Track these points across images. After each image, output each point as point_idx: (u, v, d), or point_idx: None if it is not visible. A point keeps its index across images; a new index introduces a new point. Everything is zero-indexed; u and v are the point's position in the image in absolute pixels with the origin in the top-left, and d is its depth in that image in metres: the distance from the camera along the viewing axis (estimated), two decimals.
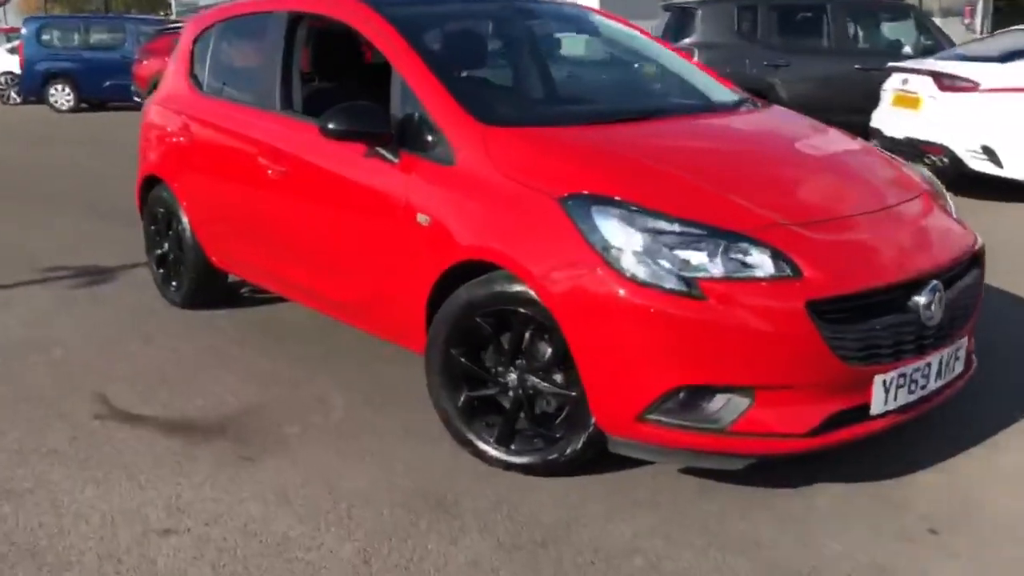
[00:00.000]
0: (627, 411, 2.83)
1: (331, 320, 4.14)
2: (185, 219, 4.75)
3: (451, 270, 3.19)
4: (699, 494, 3.02)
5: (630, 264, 2.75)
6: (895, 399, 2.90)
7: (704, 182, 3.02)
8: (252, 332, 4.61)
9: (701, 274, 2.72)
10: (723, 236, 2.77)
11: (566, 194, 2.92)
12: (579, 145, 3.24)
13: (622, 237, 2.79)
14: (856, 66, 10.06)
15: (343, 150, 3.59)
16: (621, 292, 2.75)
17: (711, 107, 3.97)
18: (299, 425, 3.56)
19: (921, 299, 2.88)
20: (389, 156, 3.43)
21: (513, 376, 3.12)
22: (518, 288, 3.00)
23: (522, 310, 3.02)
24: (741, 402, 2.75)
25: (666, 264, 2.74)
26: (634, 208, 2.83)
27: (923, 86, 8.02)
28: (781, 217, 2.90)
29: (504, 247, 3.00)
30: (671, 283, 2.71)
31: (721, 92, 4.13)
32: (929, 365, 2.97)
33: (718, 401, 2.76)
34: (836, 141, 3.76)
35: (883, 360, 2.82)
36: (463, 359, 3.21)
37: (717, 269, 2.72)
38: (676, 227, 2.79)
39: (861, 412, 2.86)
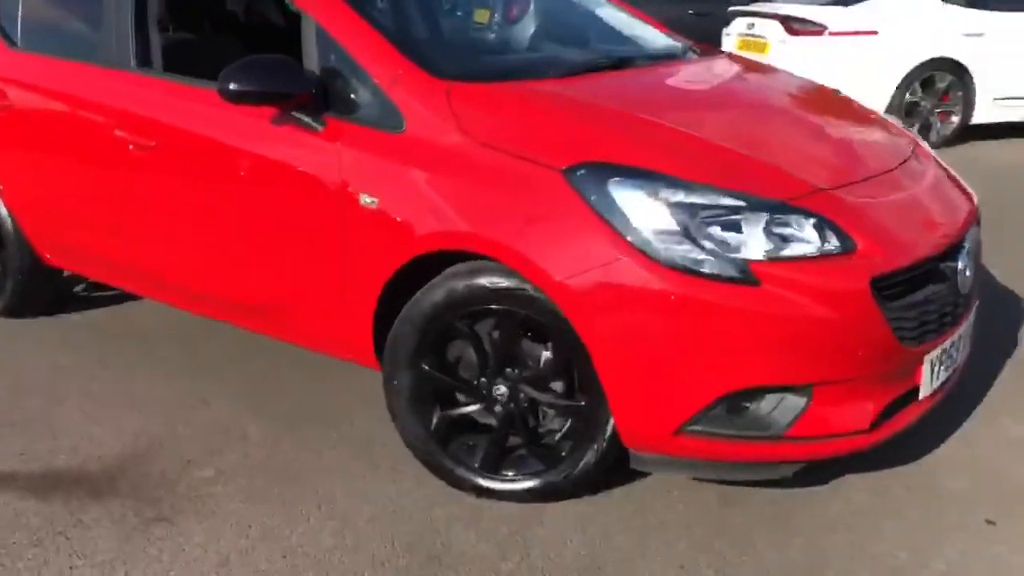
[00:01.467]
0: (664, 424, 2.34)
1: (209, 321, 3.38)
2: (3, 208, 3.78)
3: (411, 263, 2.56)
4: (724, 505, 2.60)
5: (664, 247, 2.25)
6: (938, 378, 2.58)
7: (723, 142, 2.54)
8: (112, 344, 3.74)
9: (749, 255, 2.25)
10: (766, 206, 2.31)
11: (572, 164, 2.36)
12: (570, 103, 2.67)
13: (650, 214, 2.27)
14: (691, 11, 9.93)
15: (240, 117, 2.84)
16: (655, 282, 2.24)
17: (674, 55, 3.47)
18: (212, 467, 2.83)
19: (959, 264, 2.56)
20: (310, 122, 2.72)
21: (502, 389, 2.55)
22: (513, 283, 2.42)
23: (518, 309, 2.45)
24: (797, 402, 2.33)
25: (708, 245, 2.25)
26: (660, 177, 2.32)
27: (771, 30, 7.94)
28: (817, 181, 2.47)
29: (493, 233, 2.40)
30: (717, 268, 2.23)
31: (666, 39, 3.65)
32: (960, 337, 2.68)
33: (771, 403, 2.33)
34: (812, 92, 3.38)
35: (931, 336, 2.49)
36: (438, 372, 2.61)
37: (764, 248, 2.27)
38: (712, 198, 2.29)
39: (911, 396, 2.51)
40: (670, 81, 3.13)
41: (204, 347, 3.65)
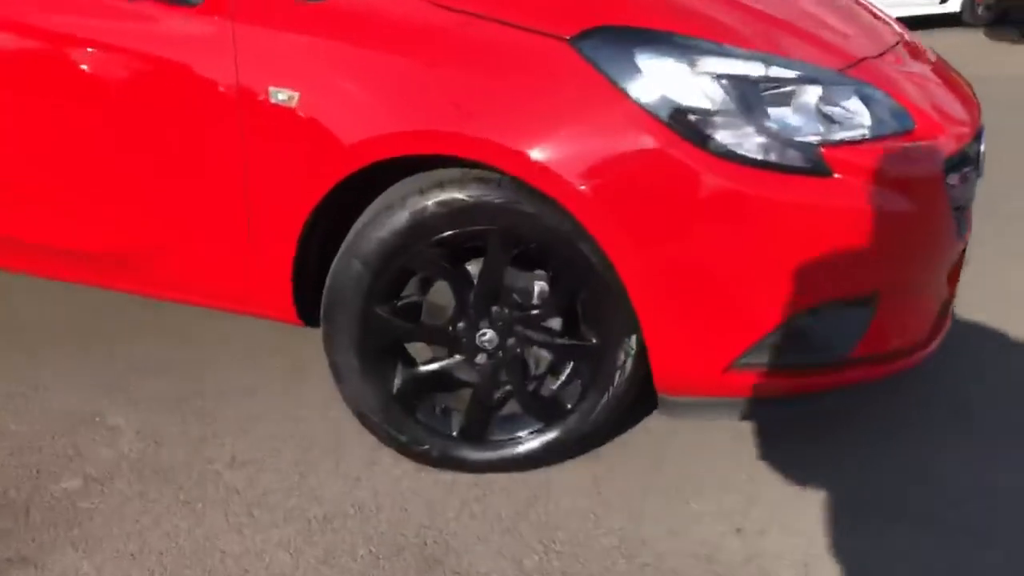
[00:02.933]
0: (714, 360, 1.86)
1: (40, 283, 2.55)
2: None
3: (351, 179, 1.91)
4: (753, 447, 2.18)
5: (714, 132, 1.73)
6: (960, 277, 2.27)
7: (745, 6, 2.03)
8: None
9: (813, 138, 1.78)
10: (819, 78, 1.84)
11: (584, 30, 1.78)
12: None
13: (692, 90, 1.75)
14: None
15: None
16: (707, 178, 1.73)
17: None
18: (79, 476, 2.07)
19: (982, 146, 2.23)
20: None
21: (489, 334, 1.97)
22: (506, 194, 1.83)
23: (512, 229, 1.86)
24: (862, 317, 1.91)
25: (770, 127, 1.76)
26: (696, 43, 1.79)
27: None
28: (858, 51, 2.04)
29: (477, 129, 1.79)
30: (782, 155, 1.75)
31: None
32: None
33: (836, 321, 1.89)
34: None
35: (966, 231, 2.15)
36: (400, 320, 1.98)
37: (821, 128, 1.80)
38: (760, 68, 1.80)
39: (947, 306, 2.18)
40: None
41: (25, 310, 2.77)
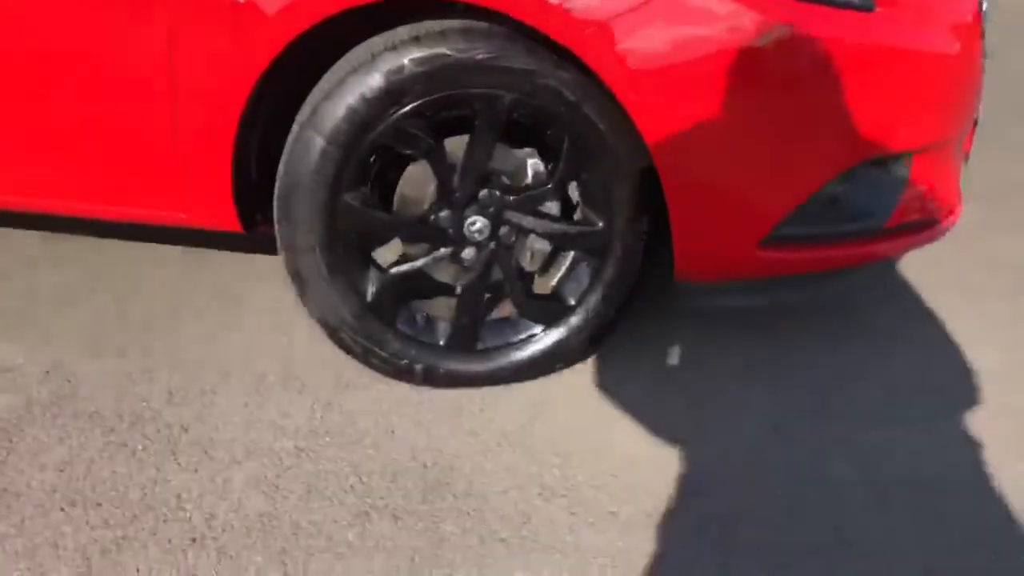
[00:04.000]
0: (748, 234, 1.63)
1: None
2: None
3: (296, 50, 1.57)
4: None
5: None
6: None
7: None
8: None
9: None
10: None
11: None
12: None
13: None
14: None
15: None
16: (742, 11, 1.47)
17: None
18: None
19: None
20: None
21: (479, 222, 1.67)
22: (500, 47, 1.53)
23: (506, 92, 1.57)
24: (898, 179, 1.71)
25: None
26: None
27: None
28: None
29: None
30: None
31: None
32: None
33: (874, 183, 1.69)
34: None
35: None
36: (374, 210, 1.66)
37: None
38: None
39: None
40: None
41: None
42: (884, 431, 1.70)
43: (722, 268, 1.68)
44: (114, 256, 2.22)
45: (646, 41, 1.48)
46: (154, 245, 2.20)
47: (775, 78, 1.51)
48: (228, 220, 1.79)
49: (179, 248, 2.19)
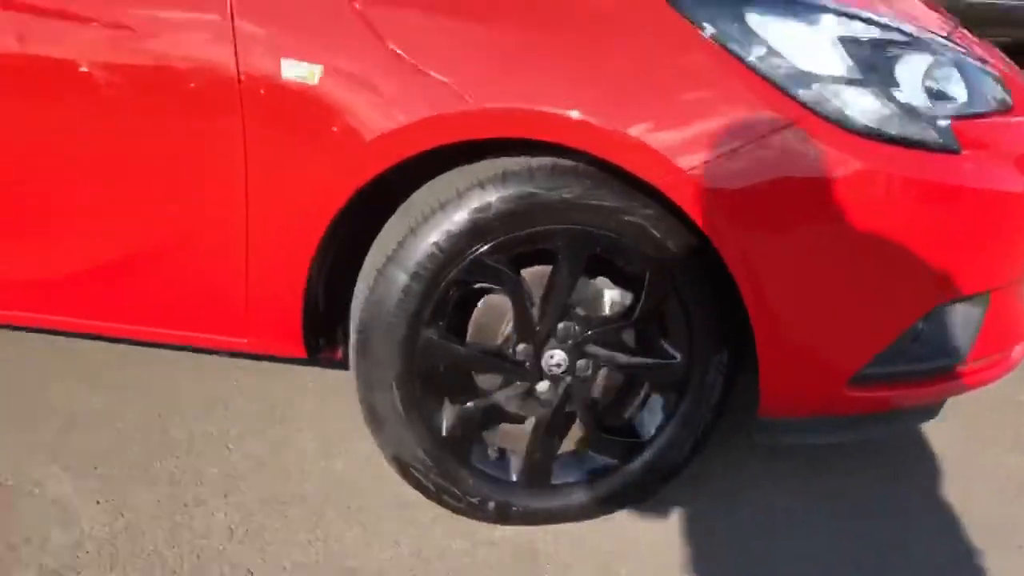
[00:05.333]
0: (836, 373, 1.60)
1: None
2: None
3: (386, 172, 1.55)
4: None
5: (837, 100, 1.48)
6: None
7: None
8: None
9: (941, 110, 1.56)
10: (928, 44, 1.61)
11: None
12: None
13: (810, 54, 1.49)
14: None
15: None
16: (832, 152, 1.47)
17: None
18: (33, 569, 1.60)
19: None
20: None
21: (558, 356, 1.64)
22: (590, 186, 1.52)
23: (595, 228, 1.55)
24: (977, 314, 1.69)
25: (898, 95, 1.51)
26: (813, 2, 1.53)
27: None
28: (943, 24, 1.84)
29: (555, 105, 1.46)
30: (911, 128, 1.51)
31: None
32: None
33: (956, 320, 1.67)
34: None
35: None
36: (457, 344, 1.63)
37: (947, 99, 1.58)
38: (886, 33, 1.55)
39: None
40: None
41: None
42: None
43: (805, 407, 1.65)
44: (144, 371, 2.16)
45: (736, 181, 1.47)
46: (183, 355, 2.13)
47: (865, 219, 1.49)
48: (293, 347, 1.74)
49: (214, 359, 2.12)
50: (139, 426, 1.99)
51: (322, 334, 1.78)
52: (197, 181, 1.62)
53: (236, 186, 1.59)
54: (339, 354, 1.85)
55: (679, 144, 1.45)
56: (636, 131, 1.44)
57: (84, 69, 1.58)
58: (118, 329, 1.83)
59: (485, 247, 1.54)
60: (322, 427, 1.99)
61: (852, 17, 1.52)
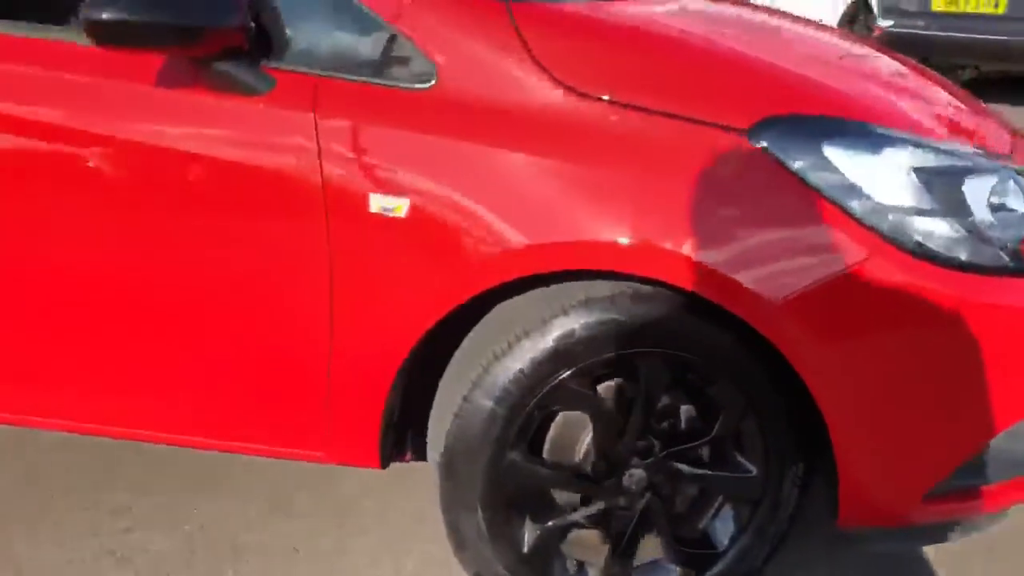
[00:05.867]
0: (914, 486, 1.63)
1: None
2: None
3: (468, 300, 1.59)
4: None
5: (913, 230, 1.52)
6: None
7: (878, 84, 1.84)
8: None
9: (1012, 233, 1.60)
10: (989, 166, 1.66)
11: (761, 120, 1.53)
12: (687, 30, 1.80)
13: (886, 184, 1.53)
14: None
15: (110, 83, 1.63)
16: (911, 281, 1.51)
17: None
18: None
19: None
20: (248, 79, 1.59)
21: (638, 473, 1.67)
22: (669, 309, 1.55)
23: (678, 352, 1.58)
24: None
25: (972, 222, 1.56)
26: (887, 133, 1.57)
27: None
28: (1003, 136, 1.88)
29: (637, 235, 1.50)
30: (985, 253, 1.55)
31: None
32: None
33: None
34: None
35: None
36: (541, 466, 1.65)
37: (1015, 222, 1.62)
38: (946, 158, 1.60)
39: None
40: (695, 10, 2.26)
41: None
42: None
43: (883, 518, 1.68)
44: (202, 470, 2.18)
45: (817, 309, 1.50)
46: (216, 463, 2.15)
47: (944, 343, 1.53)
48: (368, 459, 1.77)
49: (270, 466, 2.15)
50: (205, 527, 2.00)
51: (394, 440, 1.81)
52: (281, 300, 1.65)
53: (320, 307, 1.63)
54: (408, 456, 1.87)
55: (762, 275, 1.49)
56: (718, 262, 1.48)
57: (172, 190, 1.62)
58: (191, 441, 1.86)
59: (568, 372, 1.57)
60: (383, 527, 2.00)
61: (922, 147, 1.56)
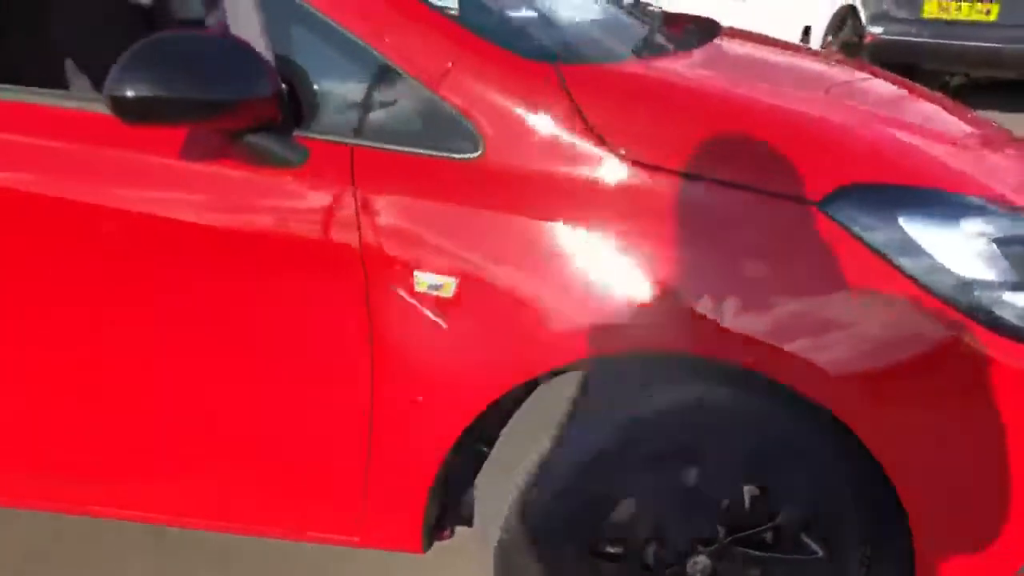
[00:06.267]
0: (1000, 568, 1.55)
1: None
2: None
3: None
4: None
5: (998, 305, 1.44)
6: None
7: (937, 144, 1.75)
8: None
9: None
10: None
11: (834, 190, 1.44)
12: (753, 93, 1.71)
13: (968, 257, 1.45)
14: None
15: (139, 157, 1.52)
16: (998, 360, 1.43)
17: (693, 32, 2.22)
18: None
19: None
20: (280, 151, 1.48)
21: (702, 560, 1.58)
22: (738, 392, 1.46)
23: (746, 433, 1.50)
24: None
25: None
26: (966, 201, 1.49)
27: None
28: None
29: (703, 317, 1.41)
30: None
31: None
32: None
33: None
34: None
35: None
36: (603, 559, 1.56)
37: None
38: (1020, 228, 1.51)
39: None
40: (760, 62, 2.15)
41: None
42: None
43: None
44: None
45: (898, 392, 1.43)
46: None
47: (999, 418, 1.45)
48: (409, 543, 1.67)
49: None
50: None
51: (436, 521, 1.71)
52: (318, 382, 1.55)
53: (360, 389, 1.53)
54: (447, 534, 1.78)
55: (839, 357, 1.41)
56: (794, 345, 1.39)
57: (201, 269, 1.52)
58: (214, 525, 1.75)
59: (632, 459, 1.48)
60: None
61: (1001, 215, 1.48)
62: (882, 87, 2.06)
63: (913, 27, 6.84)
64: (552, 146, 1.45)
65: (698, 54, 1.88)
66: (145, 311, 1.55)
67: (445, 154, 1.47)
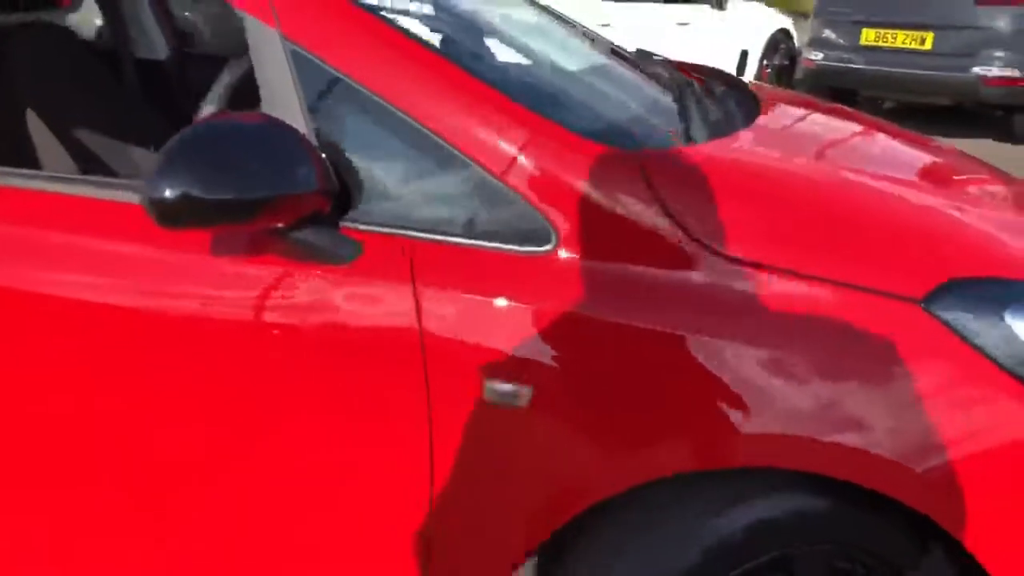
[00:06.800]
0: None
1: None
2: None
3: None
4: None
5: None
6: None
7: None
8: None
9: None
10: None
11: (937, 286, 1.35)
12: (831, 178, 1.60)
13: None
14: None
15: (177, 257, 1.35)
16: None
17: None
18: None
19: None
20: (328, 248, 1.33)
21: None
22: (832, 503, 1.37)
23: (840, 544, 1.41)
24: None
25: None
26: None
27: None
28: None
29: (798, 427, 1.30)
30: None
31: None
32: None
33: None
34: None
35: None
36: None
37: None
38: None
39: None
40: (819, 138, 2.00)
41: None
42: None
43: None
44: None
45: (1009, 500, 1.34)
46: None
47: None
48: None
49: None
50: None
51: None
52: (372, 497, 1.40)
53: (419, 504, 1.37)
54: None
55: (942, 464, 1.31)
56: (898, 453, 1.30)
57: (242, 375, 1.35)
58: None
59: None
60: None
61: None
62: (952, 161, 1.97)
63: (852, 54, 6.97)
64: (630, 241, 1.33)
65: (760, 130, 1.76)
66: (187, 417, 1.39)
67: (515, 248, 1.33)
